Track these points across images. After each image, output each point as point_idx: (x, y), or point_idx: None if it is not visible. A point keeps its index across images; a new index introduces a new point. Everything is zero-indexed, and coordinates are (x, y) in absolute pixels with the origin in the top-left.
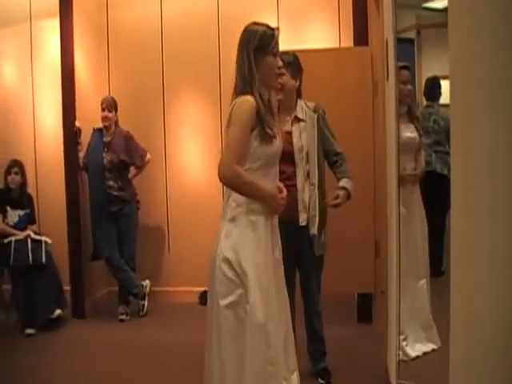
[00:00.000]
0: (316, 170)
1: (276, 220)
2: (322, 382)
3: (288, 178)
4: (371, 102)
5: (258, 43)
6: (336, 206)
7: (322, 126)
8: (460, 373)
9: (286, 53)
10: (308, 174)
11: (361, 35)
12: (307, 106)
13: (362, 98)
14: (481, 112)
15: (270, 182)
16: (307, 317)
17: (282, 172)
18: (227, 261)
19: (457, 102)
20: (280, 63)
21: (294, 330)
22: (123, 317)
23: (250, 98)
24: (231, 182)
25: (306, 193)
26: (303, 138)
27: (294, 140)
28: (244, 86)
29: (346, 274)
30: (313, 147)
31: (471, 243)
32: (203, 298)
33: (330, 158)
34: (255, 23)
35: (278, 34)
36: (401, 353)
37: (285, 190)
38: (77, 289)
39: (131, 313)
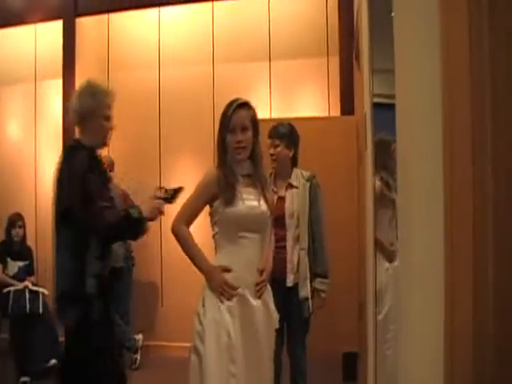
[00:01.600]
0: (306, 235)
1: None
2: None
3: (278, 240)
4: (356, 169)
5: (219, 123)
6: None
7: (313, 196)
8: None
9: (281, 124)
10: (298, 238)
11: (347, 105)
12: (302, 175)
13: (348, 166)
14: None
15: (243, 249)
16: (292, 376)
17: (275, 234)
18: (197, 315)
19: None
20: (239, 137)
21: None
22: None
23: (212, 170)
24: (176, 237)
25: (295, 256)
26: (295, 203)
27: (286, 204)
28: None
29: (332, 333)
30: (303, 213)
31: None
32: None
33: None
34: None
35: (236, 105)
36: None
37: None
38: None
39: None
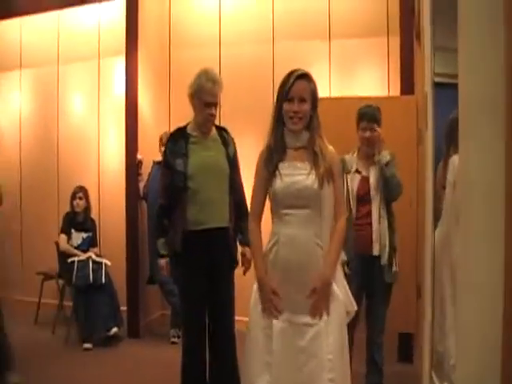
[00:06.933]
0: (386, 208)
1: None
2: None
3: (363, 217)
4: (416, 150)
5: (277, 92)
6: None
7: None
8: None
9: (371, 106)
10: (380, 211)
11: (407, 84)
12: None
13: (407, 146)
14: None
15: (287, 226)
16: (369, 348)
17: (357, 211)
18: (253, 292)
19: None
20: (296, 108)
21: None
22: (175, 339)
23: (262, 151)
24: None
25: (379, 226)
26: (378, 176)
27: (371, 180)
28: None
29: (389, 313)
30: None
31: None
32: None
33: None
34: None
35: (297, 75)
36: None
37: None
38: (133, 309)
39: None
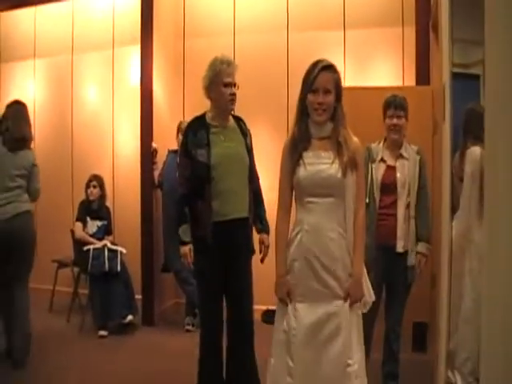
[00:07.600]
0: (414, 205)
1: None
2: None
3: (386, 207)
4: (431, 140)
5: (302, 82)
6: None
7: (422, 169)
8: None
9: (398, 96)
10: (408, 206)
11: (423, 75)
12: (411, 148)
13: (422, 137)
14: None
15: (310, 214)
16: (387, 338)
17: (381, 201)
18: None
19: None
20: (320, 99)
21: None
22: (189, 327)
23: (285, 143)
24: (275, 231)
25: (406, 223)
26: (406, 173)
27: (398, 175)
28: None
29: None
30: (414, 183)
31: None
32: (266, 316)
33: None
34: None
35: (321, 67)
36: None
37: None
38: (147, 298)
39: (197, 324)
